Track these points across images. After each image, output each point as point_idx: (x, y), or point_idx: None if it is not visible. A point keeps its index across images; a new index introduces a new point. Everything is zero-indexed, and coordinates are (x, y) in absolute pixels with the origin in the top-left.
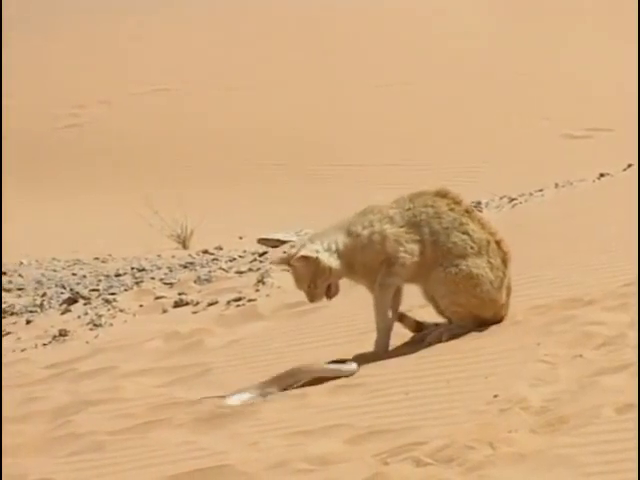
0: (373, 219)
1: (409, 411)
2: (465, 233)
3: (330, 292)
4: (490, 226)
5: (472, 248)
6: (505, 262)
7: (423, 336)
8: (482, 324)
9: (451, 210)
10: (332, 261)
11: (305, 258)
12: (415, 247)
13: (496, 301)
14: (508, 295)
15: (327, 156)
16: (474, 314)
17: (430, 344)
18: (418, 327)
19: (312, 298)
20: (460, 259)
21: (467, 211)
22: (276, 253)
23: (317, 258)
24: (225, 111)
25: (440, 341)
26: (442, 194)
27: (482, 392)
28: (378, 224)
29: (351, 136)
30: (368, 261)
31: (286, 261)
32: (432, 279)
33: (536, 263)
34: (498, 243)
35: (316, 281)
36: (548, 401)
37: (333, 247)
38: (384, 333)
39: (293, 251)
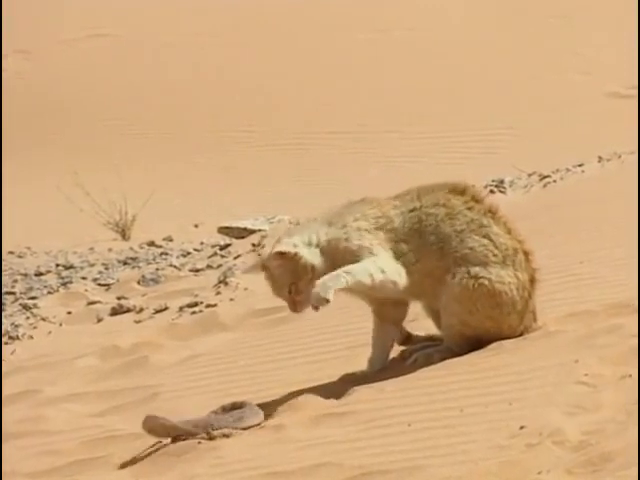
0: (368, 214)
1: (412, 447)
2: (486, 237)
3: None
4: (518, 233)
5: (495, 256)
6: (533, 282)
7: (411, 351)
8: (479, 346)
9: (469, 209)
10: (314, 257)
11: (281, 255)
12: (402, 273)
13: (514, 329)
14: (535, 320)
15: (309, 121)
16: (480, 337)
17: (416, 362)
18: (407, 340)
19: (295, 307)
20: (480, 268)
21: (490, 211)
22: (245, 247)
23: (296, 254)
24: (179, 63)
25: (432, 362)
26: (459, 190)
27: (505, 422)
28: (372, 221)
29: (339, 96)
30: (348, 256)
31: (261, 266)
32: (444, 295)
33: (573, 258)
34: (526, 255)
35: (298, 284)
36: (588, 434)
37: (314, 240)
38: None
39: (266, 251)
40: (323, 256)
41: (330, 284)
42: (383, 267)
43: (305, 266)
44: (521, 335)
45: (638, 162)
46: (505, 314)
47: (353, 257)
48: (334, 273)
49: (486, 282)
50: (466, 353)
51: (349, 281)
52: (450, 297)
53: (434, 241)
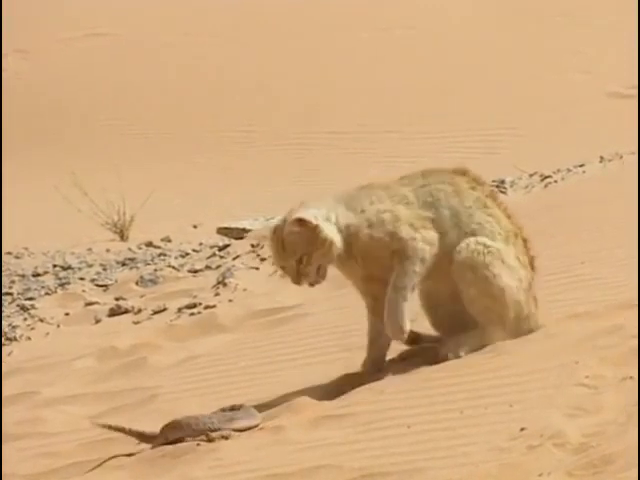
0: (382, 195)
1: (412, 449)
2: (491, 216)
3: (319, 274)
4: (517, 220)
5: (499, 234)
6: (532, 267)
7: (433, 350)
8: (512, 336)
9: (472, 189)
10: (334, 235)
11: (302, 222)
12: (434, 235)
13: (519, 303)
14: (536, 306)
15: (309, 121)
16: (503, 316)
17: (445, 359)
18: (415, 339)
19: (299, 278)
20: (487, 239)
21: (491, 196)
22: (245, 247)
23: (318, 226)
24: (178, 63)
25: (458, 356)
26: (461, 172)
27: (505, 424)
28: (389, 201)
29: (339, 95)
30: (372, 248)
31: (272, 229)
32: (455, 266)
33: (575, 258)
34: (525, 242)
35: (310, 255)
36: (589, 436)
37: (333, 218)
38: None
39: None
40: (341, 236)
41: (398, 314)
42: (415, 251)
43: (324, 240)
44: (527, 320)
45: (638, 162)
46: (517, 280)
47: (379, 245)
48: (390, 301)
49: (494, 250)
50: (507, 338)
51: (406, 296)
52: (462, 266)
53: (449, 215)
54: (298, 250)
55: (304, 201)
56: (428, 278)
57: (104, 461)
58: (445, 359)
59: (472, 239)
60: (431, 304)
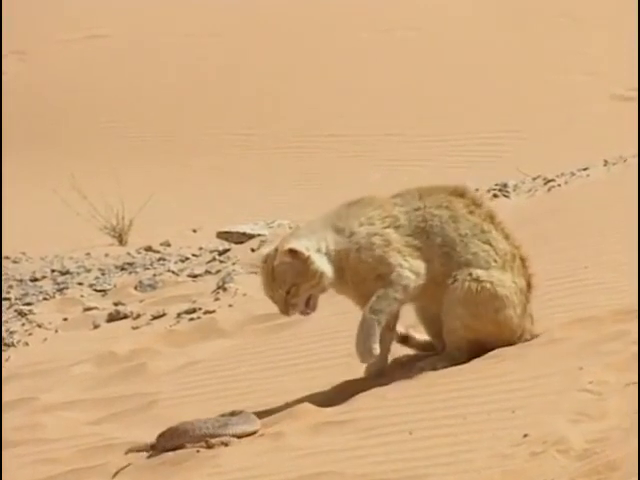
0: (373, 215)
1: (414, 455)
2: (487, 243)
3: (308, 306)
4: (514, 237)
5: (495, 262)
6: (529, 287)
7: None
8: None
9: (470, 213)
10: (325, 265)
11: (294, 253)
12: (421, 265)
13: (514, 333)
14: (532, 322)
15: (310, 123)
16: (481, 342)
17: (422, 371)
18: (404, 340)
19: (287, 308)
20: (482, 271)
21: (490, 216)
22: (245, 252)
23: (309, 257)
24: (178, 64)
25: (435, 369)
26: (459, 193)
27: (508, 430)
28: (379, 223)
29: (339, 98)
30: (360, 270)
31: (264, 258)
32: (447, 299)
33: (578, 263)
34: (523, 261)
35: (300, 286)
36: (593, 442)
37: (323, 248)
38: (375, 372)
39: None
40: (331, 265)
41: (369, 337)
42: (400, 278)
43: (315, 272)
44: (520, 338)
45: (638, 166)
46: (508, 318)
47: (367, 268)
48: (364, 322)
49: (488, 285)
50: (467, 360)
51: (381, 320)
52: (454, 300)
53: (441, 243)
54: (288, 280)
55: (295, 230)
56: (420, 299)
57: (103, 468)
58: (421, 371)
59: (466, 272)
60: (426, 316)
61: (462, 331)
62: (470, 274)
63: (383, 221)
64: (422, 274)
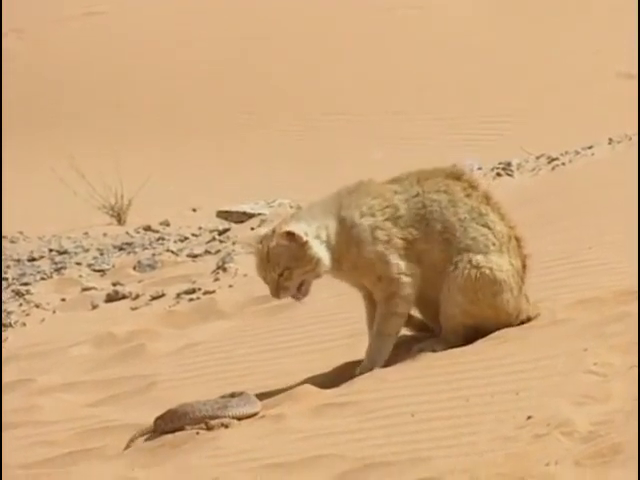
0: (374, 205)
1: (416, 438)
2: (485, 226)
3: (300, 291)
4: (510, 218)
5: (494, 245)
6: (524, 267)
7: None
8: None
9: (467, 196)
10: (322, 252)
11: (291, 236)
12: (414, 266)
13: (510, 315)
14: (527, 301)
15: (312, 103)
16: (478, 326)
17: (422, 351)
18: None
19: (278, 291)
20: (481, 257)
21: (486, 197)
22: (245, 231)
23: (307, 242)
24: (178, 43)
25: (434, 351)
26: (456, 176)
27: (512, 413)
28: (380, 215)
29: (342, 77)
30: (361, 265)
31: (260, 239)
32: (446, 286)
33: (582, 243)
34: (518, 241)
35: (293, 270)
36: (598, 424)
37: (323, 236)
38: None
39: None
40: (329, 253)
41: (375, 362)
42: (401, 288)
43: (311, 258)
44: (517, 319)
45: (638, 145)
46: (505, 301)
47: (367, 264)
48: (372, 347)
49: (487, 271)
50: (463, 343)
51: (389, 344)
52: (453, 288)
53: (441, 230)
54: (282, 263)
55: (295, 213)
56: (421, 286)
57: (101, 450)
58: (420, 353)
59: (466, 259)
60: (421, 300)
61: (460, 317)
62: (470, 261)
63: (383, 212)
64: (417, 274)
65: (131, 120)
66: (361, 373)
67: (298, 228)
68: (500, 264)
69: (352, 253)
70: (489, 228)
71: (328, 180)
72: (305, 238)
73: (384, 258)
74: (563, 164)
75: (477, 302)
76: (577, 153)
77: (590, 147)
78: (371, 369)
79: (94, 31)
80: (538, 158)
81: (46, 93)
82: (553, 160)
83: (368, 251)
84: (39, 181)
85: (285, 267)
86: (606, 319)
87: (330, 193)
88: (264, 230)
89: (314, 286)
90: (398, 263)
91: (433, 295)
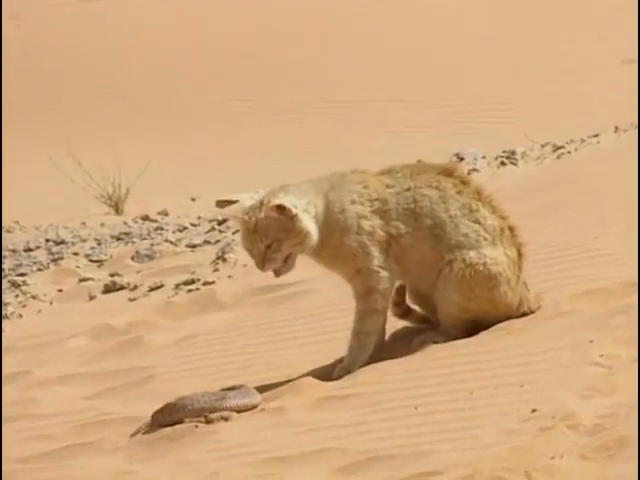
0: (364, 194)
1: (419, 431)
2: (476, 222)
3: (286, 264)
4: (501, 209)
5: (485, 239)
6: (521, 256)
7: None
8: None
9: (459, 193)
10: (312, 226)
11: (281, 209)
12: (391, 263)
13: (510, 306)
14: (527, 289)
15: (311, 90)
16: (477, 319)
17: (424, 343)
18: (406, 313)
19: (264, 263)
20: (474, 253)
21: (477, 192)
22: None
23: (297, 215)
24: (177, 30)
25: (436, 342)
26: (448, 172)
27: (516, 405)
28: (368, 205)
29: (341, 64)
30: (342, 252)
31: (246, 211)
32: (441, 285)
33: (588, 233)
34: (512, 230)
35: (282, 242)
36: (603, 417)
37: (312, 211)
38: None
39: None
40: (317, 229)
41: (352, 365)
42: (378, 282)
43: (300, 230)
44: (518, 309)
45: (638, 134)
46: (502, 294)
47: (348, 253)
48: (351, 348)
49: (481, 267)
50: (465, 335)
51: (369, 345)
52: (449, 289)
53: (431, 226)
54: (270, 235)
55: (285, 185)
56: (406, 279)
57: (99, 444)
58: (422, 345)
59: (459, 258)
60: (418, 297)
61: (457, 313)
62: (463, 260)
63: (372, 204)
64: (395, 270)
65: (129, 108)
66: (339, 376)
67: (287, 201)
68: (494, 257)
69: (335, 238)
70: (480, 224)
71: (328, 168)
72: (295, 211)
73: (366, 249)
74: (569, 152)
75: (474, 299)
76: (583, 141)
77: (596, 135)
78: (350, 371)
79: (92, 18)
80: (543, 146)
81: (43, 79)
82: (558, 148)
83: (352, 239)
84: (36, 169)
85: (274, 239)
86: (612, 311)
87: (323, 175)
88: (250, 202)
89: (316, 276)
90: (379, 256)
91: (426, 291)
